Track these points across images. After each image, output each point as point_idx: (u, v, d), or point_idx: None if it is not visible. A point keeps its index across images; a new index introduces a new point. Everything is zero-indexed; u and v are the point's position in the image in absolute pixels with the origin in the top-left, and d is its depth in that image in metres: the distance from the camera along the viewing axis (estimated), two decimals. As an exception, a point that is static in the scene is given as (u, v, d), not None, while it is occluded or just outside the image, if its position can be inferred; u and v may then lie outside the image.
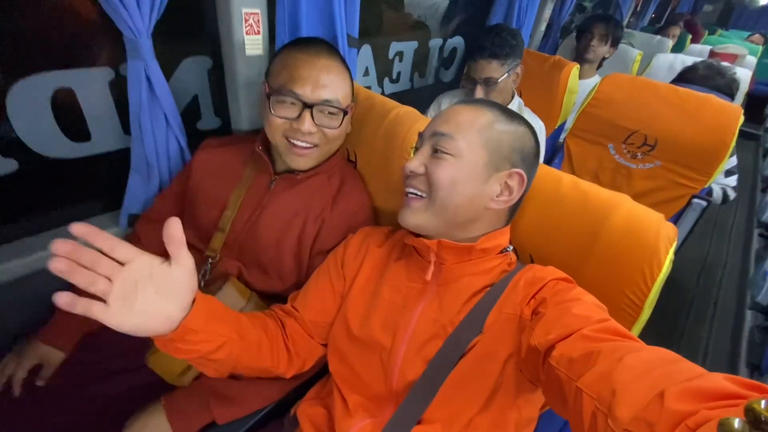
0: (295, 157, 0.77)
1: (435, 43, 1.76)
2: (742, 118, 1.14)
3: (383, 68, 1.56)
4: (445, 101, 1.47)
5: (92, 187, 0.95)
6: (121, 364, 0.79)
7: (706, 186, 1.21)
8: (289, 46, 0.78)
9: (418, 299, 0.63)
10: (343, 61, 0.80)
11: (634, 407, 0.35)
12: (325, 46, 0.79)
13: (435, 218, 0.61)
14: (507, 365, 0.57)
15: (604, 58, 1.90)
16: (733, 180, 1.60)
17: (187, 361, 0.73)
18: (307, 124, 0.73)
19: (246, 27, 0.90)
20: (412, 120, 0.84)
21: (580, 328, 0.47)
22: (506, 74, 1.28)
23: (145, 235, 0.88)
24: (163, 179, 0.92)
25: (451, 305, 0.61)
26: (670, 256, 0.59)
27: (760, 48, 3.45)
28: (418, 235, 0.65)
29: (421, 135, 0.66)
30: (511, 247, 0.67)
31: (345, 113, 0.78)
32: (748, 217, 3.09)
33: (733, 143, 1.14)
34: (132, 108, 0.82)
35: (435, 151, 0.61)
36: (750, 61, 2.54)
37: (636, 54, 2.16)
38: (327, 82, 0.74)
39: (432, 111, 1.46)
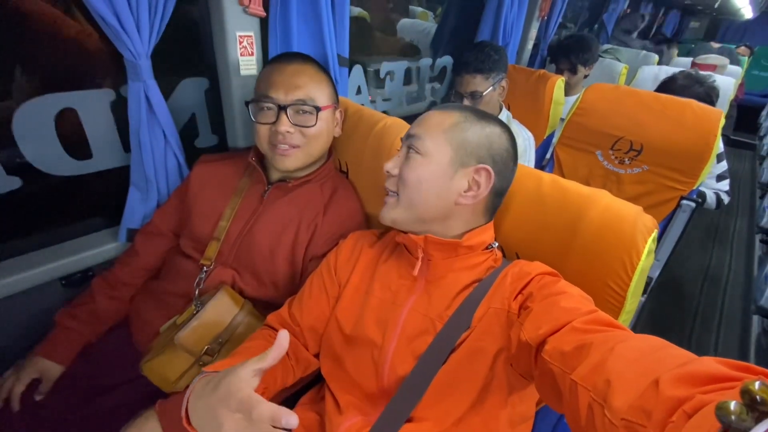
0: (279, 158, 0.81)
1: (425, 62, 1.83)
2: (723, 121, 1.17)
3: (375, 87, 1.62)
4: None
5: (93, 204, 0.98)
6: (118, 376, 0.80)
7: (694, 188, 1.23)
8: (268, 62, 0.85)
9: (407, 295, 0.65)
10: (318, 65, 0.85)
11: (629, 396, 0.35)
12: (298, 55, 0.85)
13: (406, 213, 0.65)
14: (497, 361, 0.57)
15: (585, 76, 1.96)
16: (725, 184, 1.62)
17: (181, 368, 0.74)
18: (283, 124, 0.78)
19: (240, 49, 0.95)
20: (399, 129, 0.88)
21: (570, 321, 0.48)
22: (491, 87, 1.33)
23: (143, 248, 0.91)
24: (162, 194, 0.96)
25: (439, 300, 0.63)
26: (649, 245, 0.60)
27: (746, 59, 3.53)
28: (407, 233, 0.67)
29: (402, 140, 0.70)
30: (497, 244, 0.68)
31: (318, 110, 0.81)
32: (749, 223, 3.08)
33: (717, 146, 1.17)
34: (132, 127, 0.86)
35: (407, 151, 0.66)
36: (733, 71, 2.60)
37: (621, 68, 2.23)
38: (299, 83, 0.79)
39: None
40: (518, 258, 0.72)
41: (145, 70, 0.81)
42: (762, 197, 3.00)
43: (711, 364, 0.33)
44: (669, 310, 2.16)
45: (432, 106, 1.82)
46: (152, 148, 0.89)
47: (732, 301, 2.27)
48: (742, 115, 4.93)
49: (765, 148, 3.79)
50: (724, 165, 1.63)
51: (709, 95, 1.45)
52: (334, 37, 1.08)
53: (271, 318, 0.74)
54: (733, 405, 0.23)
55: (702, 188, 1.54)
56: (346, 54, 1.15)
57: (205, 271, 0.83)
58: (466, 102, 1.35)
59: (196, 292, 0.81)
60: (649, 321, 2.05)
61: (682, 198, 1.23)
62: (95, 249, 0.94)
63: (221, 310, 0.76)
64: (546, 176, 0.73)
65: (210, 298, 0.77)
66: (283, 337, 0.43)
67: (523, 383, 0.59)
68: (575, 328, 0.47)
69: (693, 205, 1.21)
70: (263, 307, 0.82)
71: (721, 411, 0.23)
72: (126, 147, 0.95)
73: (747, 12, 5.17)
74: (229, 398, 0.42)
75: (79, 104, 0.86)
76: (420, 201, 0.64)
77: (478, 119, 0.66)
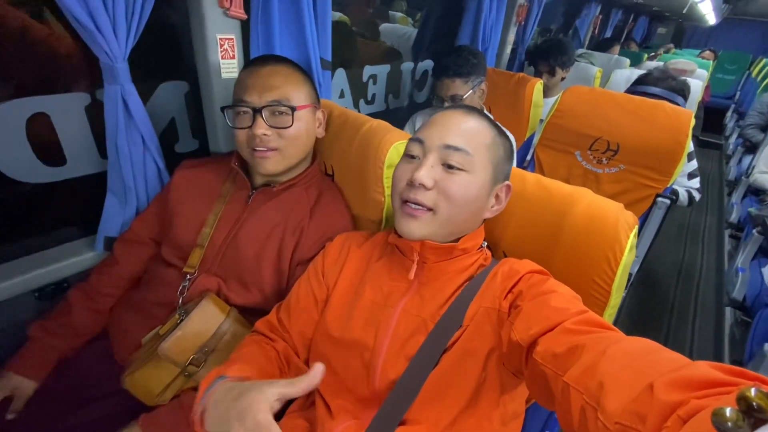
0: (259, 160, 0.79)
1: (407, 66, 1.85)
2: (693, 121, 1.22)
3: (358, 91, 1.63)
4: (419, 119, 1.53)
5: (67, 212, 0.95)
6: (98, 390, 0.76)
7: (668, 185, 1.28)
8: (244, 67, 0.83)
9: (400, 297, 0.64)
10: (294, 66, 0.84)
11: (623, 400, 0.35)
12: (274, 57, 0.84)
13: (441, 229, 0.62)
14: (489, 361, 0.57)
15: (562, 78, 2.02)
16: (695, 182, 1.69)
17: (165, 380, 0.71)
18: (259, 127, 0.77)
19: (221, 51, 0.94)
20: (384, 132, 0.88)
21: (561, 321, 0.48)
22: (471, 91, 1.36)
23: (122, 256, 0.88)
24: (141, 201, 0.93)
25: (432, 301, 0.63)
26: (631, 240, 0.62)
27: (711, 63, 3.71)
28: (401, 235, 0.66)
29: (419, 141, 0.63)
30: (486, 244, 0.69)
31: (294, 110, 0.79)
32: (718, 219, 3.22)
33: (688, 145, 1.22)
34: (109, 131, 0.83)
35: (449, 166, 0.61)
36: (701, 74, 2.73)
37: (596, 71, 2.30)
38: (274, 85, 0.78)
39: (407, 129, 1.52)
40: (505, 257, 0.73)
41: (122, 73, 0.78)
42: (729, 194, 3.15)
43: (706, 369, 0.33)
44: (647, 304, 2.23)
45: (416, 108, 1.84)
46: (130, 153, 0.86)
47: (705, 294, 2.37)
48: (709, 117, 5.18)
49: (731, 147, 3.98)
50: (694, 164, 1.70)
51: (683, 89, 1.52)
52: (317, 40, 1.08)
53: (259, 324, 0.72)
54: (729, 411, 0.23)
55: (675, 186, 1.61)
56: (328, 57, 1.15)
57: (189, 279, 0.80)
58: (447, 105, 1.36)
59: (180, 301, 0.78)
60: (628, 316, 2.11)
61: (658, 195, 1.28)
62: (70, 259, 0.90)
63: (206, 318, 0.74)
64: (530, 176, 0.75)
65: (194, 307, 0.75)
66: (319, 371, 0.46)
67: (514, 382, 0.60)
68: (567, 329, 0.47)
69: (668, 202, 1.26)
70: (250, 314, 0.80)
71: (717, 417, 0.23)
72: (102, 152, 0.92)
73: (711, 18, 5.44)
74: (247, 416, 0.42)
75: (51, 109, 0.83)
76: (460, 219, 0.62)
77: (501, 133, 0.67)
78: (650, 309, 2.20)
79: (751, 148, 3.09)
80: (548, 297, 0.53)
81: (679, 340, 2.01)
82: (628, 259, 0.62)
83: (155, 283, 0.85)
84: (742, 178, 2.73)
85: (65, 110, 0.85)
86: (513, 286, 0.58)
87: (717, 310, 2.18)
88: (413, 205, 0.61)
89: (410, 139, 0.66)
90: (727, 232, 2.67)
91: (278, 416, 0.70)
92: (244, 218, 0.83)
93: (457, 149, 0.60)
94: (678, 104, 1.51)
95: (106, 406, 0.75)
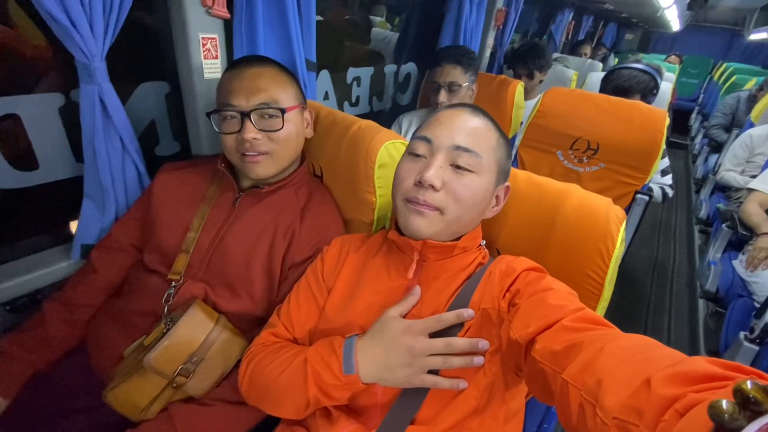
0: (251, 166, 0.77)
1: (390, 68, 1.85)
2: (668, 120, 1.27)
3: (342, 93, 1.62)
4: (405, 121, 1.53)
5: (40, 219, 0.90)
6: (77, 406, 0.72)
7: (646, 182, 1.33)
8: (226, 69, 0.81)
9: (399, 297, 0.63)
10: (279, 66, 0.82)
11: (621, 395, 0.35)
12: (257, 57, 0.81)
13: (448, 228, 0.61)
14: (494, 361, 0.57)
15: (540, 81, 2.08)
16: (668, 179, 1.76)
17: (152, 393, 0.68)
18: (249, 131, 0.74)
19: (204, 51, 0.91)
20: (374, 132, 0.88)
21: (559, 319, 0.48)
22: (467, 83, 1.38)
23: (101, 264, 0.83)
24: (120, 207, 0.89)
25: (432, 301, 0.62)
26: (621, 233, 0.63)
27: (677, 67, 3.89)
28: (402, 233, 0.64)
29: (426, 140, 0.62)
30: (484, 242, 0.69)
31: (284, 111, 0.77)
32: (688, 216, 3.37)
33: (663, 143, 1.27)
34: (85, 133, 0.79)
35: (457, 166, 0.60)
36: (669, 77, 2.86)
37: (572, 74, 2.38)
38: (260, 87, 0.76)
39: (393, 130, 1.52)
40: (499, 253, 0.74)
41: (99, 72, 0.75)
42: (697, 192, 3.29)
43: (702, 363, 0.34)
44: (626, 299, 2.30)
45: (399, 110, 1.84)
46: (108, 156, 0.83)
47: (679, 287, 2.46)
48: (675, 119, 5.41)
49: (696, 147, 4.18)
50: (666, 161, 1.77)
51: (658, 69, 1.59)
52: (302, 40, 1.06)
53: (264, 335, 0.68)
54: (725, 404, 0.23)
55: (650, 183, 1.67)
56: (313, 58, 1.14)
57: (174, 287, 0.77)
58: (443, 92, 1.38)
59: (165, 309, 0.75)
60: (608, 310, 2.16)
61: (637, 192, 1.32)
62: (44, 269, 0.85)
63: (194, 326, 0.71)
64: (522, 174, 0.75)
65: (181, 315, 0.71)
66: (418, 291, 0.61)
67: (516, 380, 0.60)
68: (564, 326, 0.47)
69: (647, 198, 1.30)
70: (239, 320, 0.78)
71: (714, 410, 0.23)
72: (78, 156, 0.87)
73: (675, 25, 5.72)
74: (412, 326, 0.57)
75: (22, 110, 0.78)
76: (468, 219, 0.62)
77: (502, 132, 0.67)
78: (629, 303, 2.27)
79: (716, 147, 3.24)
80: (545, 294, 0.53)
81: (657, 333, 2.08)
82: (619, 251, 0.63)
83: (137, 292, 0.81)
84: (710, 176, 2.86)
85: (37, 112, 0.81)
86: (510, 285, 0.58)
87: (691, 303, 2.27)
88: (421, 204, 0.59)
89: (414, 137, 0.65)
90: (696, 228, 2.79)
91: (273, 425, 0.68)
92: (230, 221, 0.81)
93: (467, 150, 0.60)
94: (657, 80, 1.58)
95: (86, 422, 0.71)
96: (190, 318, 0.72)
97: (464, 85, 1.39)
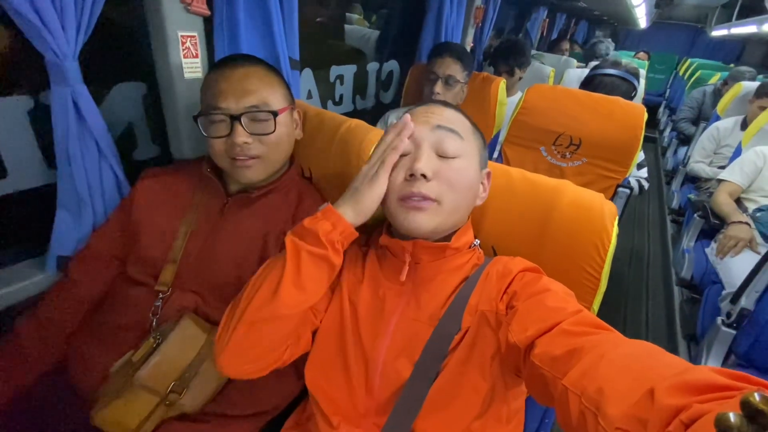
0: (241, 170, 0.74)
1: (372, 66, 1.84)
2: (646, 115, 1.31)
3: (326, 91, 1.59)
4: (392, 117, 1.52)
5: (9, 231, 0.84)
6: (60, 428, 0.68)
7: (627, 176, 1.36)
8: (211, 69, 0.77)
9: (395, 302, 0.62)
10: (267, 66, 0.79)
11: (623, 405, 0.34)
12: (244, 57, 0.78)
13: (447, 219, 0.60)
14: (494, 364, 0.57)
15: (520, 77, 2.11)
16: (644, 172, 1.82)
17: (144, 412, 0.65)
18: (239, 136, 0.71)
19: (183, 50, 0.87)
20: (365, 131, 0.86)
21: (558, 322, 0.48)
22: (463, 80, 1.39)
23: (80, 277, 0.79)
24: (98, 215, 0.84)
25: (429, 304, 0.61)
26: (615, 228, 0.64)
27: (646, 63, 4.03)
28: (392, 236, 0.64)
29: (421, 135, 0.60)
30: (478, 242, 0.69)
31: (276, 114, 0.75)
32: (660, 207, 3.50)
33: (642, 137, 1.31)
34: (58, 138, 0.74)
35: (444, 155, 0.59)
36: (641, 73, 2.96)
37: (550, 70, 2.43)
38: (250, 88, 0.73)
39: (380, 127, 1.51)
40: (495, 253, 0.74)
41: (72, 73, 0.70)
42: (668, 183, 3.43)
43: (707, 373, 0.33)
44: (606, 288, 2.37)
45: (383, 108, 1.83)
46: (84, 162, 0.78)
47: (655, 275, 2.56)
48: None
49: (665, 140, 4.35)
50: (642, 155, 1.82)
51: (635, 72, 1.64)
52: (285, 38, 1.03)
53: None
54: (732, 417, 0.22)
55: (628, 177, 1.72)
56: (297, 56, 1.11)
57: (162, 298, 0.74)
58: (440, 84, 1.39)
59: (154, 323, 0.71)
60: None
61: (618, 186, 1.36)
62: (15, 284, 0.79)
63: (186, 340, 0.68)
64: (515, 171, 0.76)
65: (172, 328, 0.68)
66: (408, 119, 0.58)
67: (517, 380, 0.59)
68: (564, 330, 0.46)
69: (628, 191, 1.34)
70: (232, 329, 0.75)
71: (721, 423, 0.22)
72: (51, 162, 0.82)
73: (642, 22, 5.93)
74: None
75: (-15, 115, 0.73)
76: (463, 206, 0.61)
77: (474, 124, 0.67)
78: (607, 292, 2.33)
79: (685, 140, 3.39)
80: (543, 296, 0.53)
81: (635, 321, 2.15)
82: (614, 245, 0.64)
83: (120, 305, 0.77)
84: (680, 167, 2.98)
85: (3, 116, 0.75)
86: (507, 287, 0.58)
87: (666, 290, 2.37)
88: (416, 199, 0.57)
89: None
90: (669, 218, 2.90)
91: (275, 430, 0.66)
92: (219, 228, 0.78)
93: (450, 130, 0.60)
94: (635, 84, 1.62)
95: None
96: (182, 331, 0.69)
97: (461, 82, 1.40)
